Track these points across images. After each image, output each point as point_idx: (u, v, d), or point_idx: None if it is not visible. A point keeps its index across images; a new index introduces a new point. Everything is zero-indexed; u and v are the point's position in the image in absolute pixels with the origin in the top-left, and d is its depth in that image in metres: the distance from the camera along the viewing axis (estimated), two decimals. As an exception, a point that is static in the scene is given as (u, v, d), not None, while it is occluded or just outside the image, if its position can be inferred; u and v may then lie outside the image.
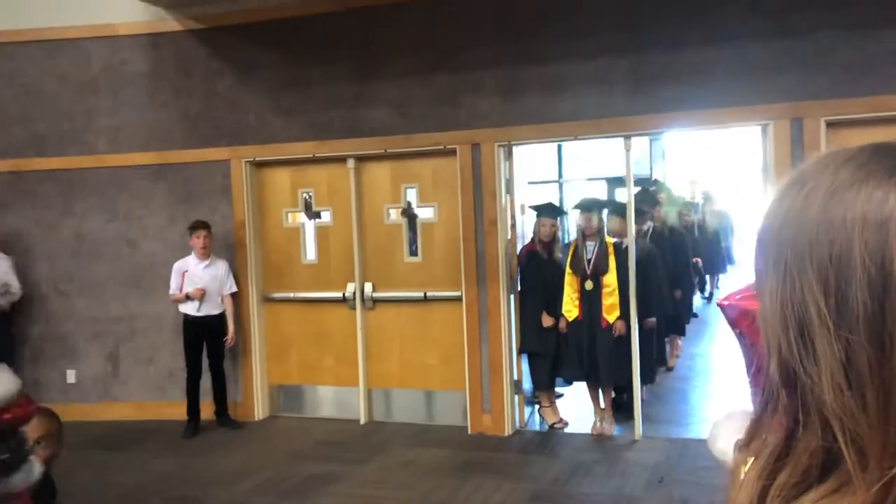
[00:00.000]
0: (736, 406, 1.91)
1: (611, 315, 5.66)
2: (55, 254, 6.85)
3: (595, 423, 5.91)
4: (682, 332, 7.76)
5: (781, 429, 0.57)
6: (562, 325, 5.85)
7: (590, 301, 5.70)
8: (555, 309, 5.90)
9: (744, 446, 0.60)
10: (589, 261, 5.70)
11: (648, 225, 6.99)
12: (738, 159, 12.28)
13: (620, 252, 5.76)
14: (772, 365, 0.57)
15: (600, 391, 5.93)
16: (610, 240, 5.82)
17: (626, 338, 5.72)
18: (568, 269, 5.75)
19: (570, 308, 5.76)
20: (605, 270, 5.67)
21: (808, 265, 0.54)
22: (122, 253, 6.78)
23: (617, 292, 5.65)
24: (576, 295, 5.74)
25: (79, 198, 6.80)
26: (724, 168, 13.20)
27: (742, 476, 0.59)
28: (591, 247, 5.75)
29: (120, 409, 6.76)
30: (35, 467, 2.54)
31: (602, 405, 5.93)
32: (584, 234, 5.80)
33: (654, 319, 6.11)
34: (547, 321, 5.90)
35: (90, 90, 6.73)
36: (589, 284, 5.68)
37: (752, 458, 0.58)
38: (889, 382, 0.51)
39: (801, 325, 0.55)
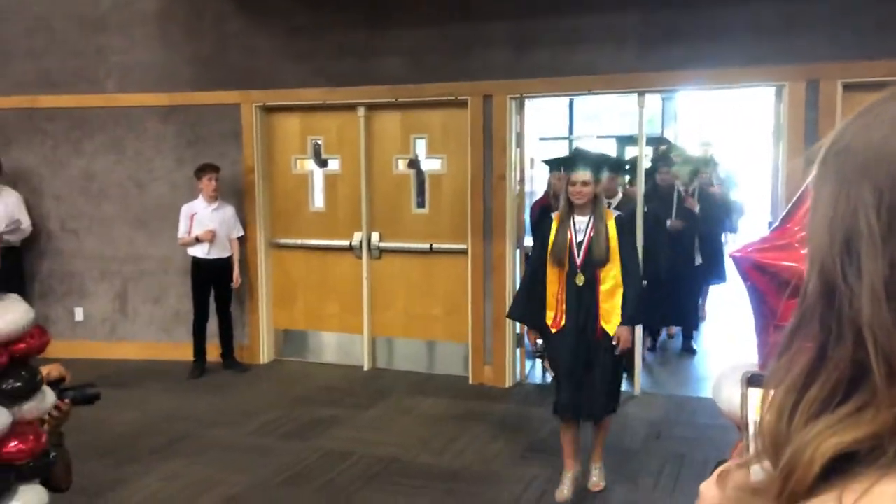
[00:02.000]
0: (741, 359, 1.94)
1: (610, 322, 3.94)
2: (63, 192, 6.86)
3: (573, 473, 4.13)
4: (724, 278, 7.48)
5: (815, 343, 0.58)
6: (530, 339, 4.34)
7: (579, 301, 3.95)
8: None
9: (775, 362, 0.61)
10: (580, 244, 3.94)
11: (695, 185, 6.82)
12: (748, 124, 12.17)
13: (625, 228, 4.09)
14: (812, 278, 0.59)
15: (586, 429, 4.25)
16: (611, 213, 4.06)
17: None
18: (549, 257, 4.00)
19: (555, 313, 4.02)
20: (604, 259, 3.91)
21: (865, 181, 0.57)
22: (130, 193, 6.79)
23: (621, 288, 3.95)
24: (560, 294, 3.99)
25: (88, 136, 6.78)
26: (734, 132, 13.08)
27: (770, 395, 0.61)
28: (581, 224, 3.96)
29: (127, 348, 6.84)
30: (48, 397, 2.59)
31: (591, 450, 4.24)
32: (570, 205, 3.97)
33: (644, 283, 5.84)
34: None
35: (100, 27, 6.67)
36: (580, 279, 3.93)
37: (782, 376, 0.60)
38: None
39: (849, 237, 0.57)
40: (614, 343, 3.94)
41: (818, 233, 0.59)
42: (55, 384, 2.54)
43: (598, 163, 4.07)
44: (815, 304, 0.59)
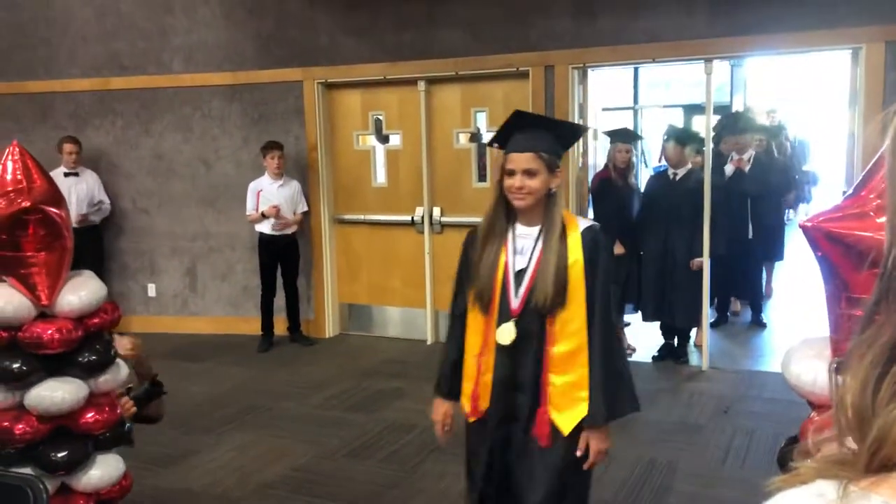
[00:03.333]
0: (812, 333, 1.87)
1: (564, 412, 2.30)
2: (134, 171, 7.06)
3: None
4: (780, 257, 7.27)
5: None
6: (438, 420, 2.49)
7: (513, 372, 2.34)
8: (627, 237, 5.72)
9: (857, 335, 0.58)
10: (520, 274, 2.35)
11: (750, 153, 6.63)
12: (822, 89, 11.72)
13: (599, 247, 2.33)
14: (895, 247, 0.56)
15: None
16: (577, 221, 2.38)
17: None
18: (471, 296, 2.39)
19: (473, 388, 2.40)
20: (552, 300, 2.27)
21: None
22: (198, 172, 6.94)
23: (585, 350, 2.29)
24: (483, 356, 2.38)
25: (156, 117, 6.95)
26: (807, 99, 12.62)
27: (853, 368, 0.58)
28: (526, 240, 2.38)
29: (197, 322, 7.04)
30: (122, 369, 2.68)
31: None
32: (507, 209, 2.42)
33: (701, 259, 5.54)
34: (618, 249, 5.45)
35: (164, 8, 6.80)
36: (510, 334, 2.31)
37: (865, 349, 0.57)
38: None
39: None
40: (577, 454, 2.29)
41: None
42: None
43: (546, 135, 2.41)
44: None
